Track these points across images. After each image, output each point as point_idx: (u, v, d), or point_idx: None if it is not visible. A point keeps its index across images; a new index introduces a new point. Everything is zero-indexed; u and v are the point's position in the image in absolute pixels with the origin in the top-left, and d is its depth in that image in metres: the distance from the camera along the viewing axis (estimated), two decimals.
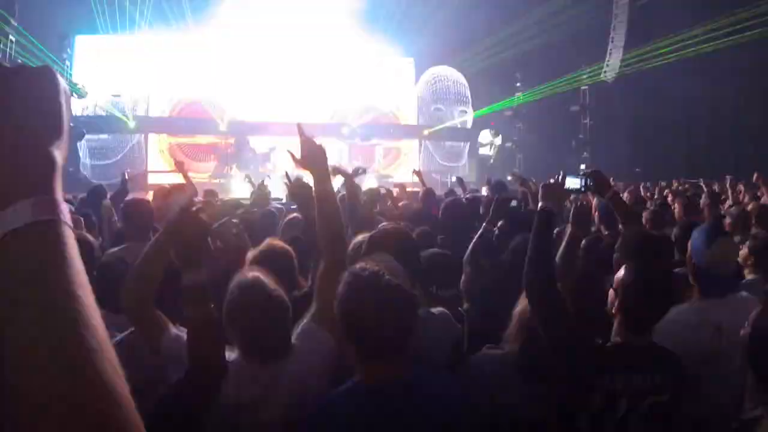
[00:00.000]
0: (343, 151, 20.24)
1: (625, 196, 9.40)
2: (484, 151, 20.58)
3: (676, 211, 7.25)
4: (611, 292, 2.55)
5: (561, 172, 3.20)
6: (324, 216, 2.63)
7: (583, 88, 21.12)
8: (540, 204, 2.82)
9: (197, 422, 2.25)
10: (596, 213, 5.54)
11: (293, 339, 2.50)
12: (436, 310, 2.99)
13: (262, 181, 6.94)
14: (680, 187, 12.00)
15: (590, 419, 2.39)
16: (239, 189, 15.91)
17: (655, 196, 11.43)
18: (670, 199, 9.49)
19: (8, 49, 15.71)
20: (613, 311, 2.51)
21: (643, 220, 5.47)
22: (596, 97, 20.98)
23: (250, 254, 3.42)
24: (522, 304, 2.83)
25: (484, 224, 4.40)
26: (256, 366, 2.38)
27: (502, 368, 2.76)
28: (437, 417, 2.00)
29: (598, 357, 2.46)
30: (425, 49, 21.08)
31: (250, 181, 8.31)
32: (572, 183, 3.28)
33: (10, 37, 15.67)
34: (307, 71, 20.88)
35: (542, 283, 2.59)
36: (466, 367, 2.82)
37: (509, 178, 10.53)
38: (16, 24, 15.81)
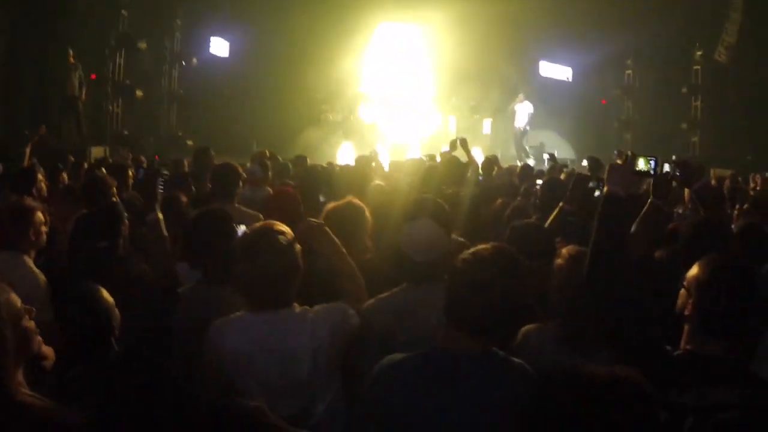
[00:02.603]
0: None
1: (726, 184, 8.93)
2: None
3: None
4: (682, 292, 2.29)
5: (630, 152, 2.97)
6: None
7: (695, 68, 20.04)
8: (606, 188, 2.53)
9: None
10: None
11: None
12: None
13: None
14: None
15: None
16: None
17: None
18: None
19: (120, 24, 16.26)
20: (686, 314, 2.24)
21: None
22: (710, 78, 19.84)
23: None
24: (559, 263, 2.86)
25: (560, 204, 4.25)
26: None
27: (543, 340, 2.77)
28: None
29: (667, 371, 2.15)
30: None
31: None
32: (644, 165, 3.00)
33: (122, 11, 16.25)
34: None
35: (608, 285, 2.31)
36: (516, 346, 2.76)
37: (615, 155, 10.15)
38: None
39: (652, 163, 2.84)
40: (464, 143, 7.79)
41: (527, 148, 19.02)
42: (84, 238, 4.03)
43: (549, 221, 4.22)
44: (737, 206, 6.09)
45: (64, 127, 14.81)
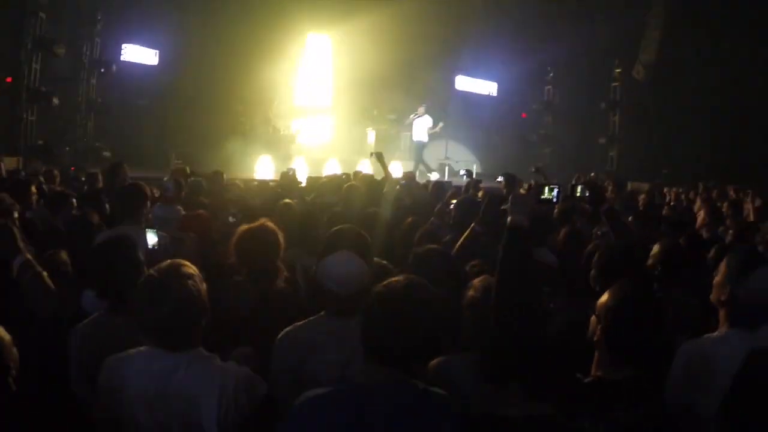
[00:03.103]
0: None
1: (642, 198, 9.21)
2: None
3: (699, 219, 7.02)
4: (593, 319, 2.35)
5: (532, 182, 3.04)
6: None
7: (614, 84, 20.75)
8: (509, 218, 2.54)
9: None
10: None
11: None
12: None
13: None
14: (710, 192, 11.71)
15: None
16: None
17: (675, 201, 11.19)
18: (697, 206, 9.25)
19: (38, 27, 15.68)
20: (595, 340, 2.30)
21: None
22: (627, 94, 20.56)
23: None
24: (471, 295, 2.83)
25: (473, 224, 4.24)
26: None
27: (462, 373, 2.72)
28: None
29: (578, 397, 2.20)
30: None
31: None
32: (548, 194, 3.04)
33: (40, 14, 15.66)
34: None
35: (513, 311, 2.34)
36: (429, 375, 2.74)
37: (532, 170, 10.32)
38: (45, 1, 15.81)
39: (555, 191, 2.89)
40: (380, 157, 7.73)
41: (425, 161, 18.76)
42: None
43: (459, 243, 4.18)
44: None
45: None
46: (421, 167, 18.10)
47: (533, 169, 9.97)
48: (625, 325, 2.23)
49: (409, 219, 5.26)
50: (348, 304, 2.89)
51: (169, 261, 2.56)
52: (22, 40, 15.55)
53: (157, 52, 18.88)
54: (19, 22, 15.61)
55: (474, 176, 9.46)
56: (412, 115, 18.77)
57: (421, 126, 18.35)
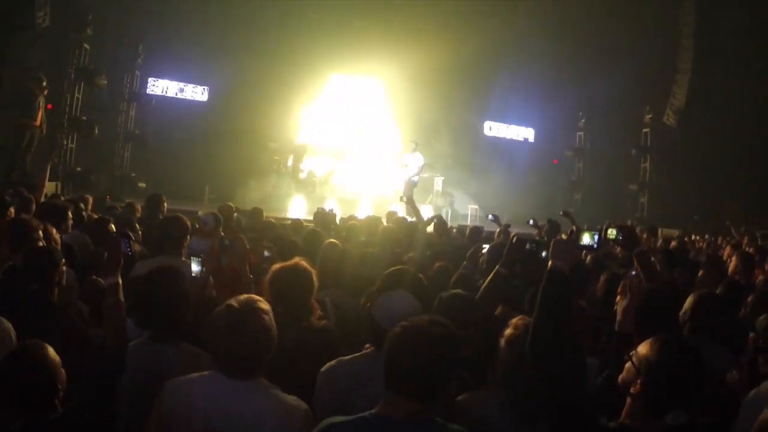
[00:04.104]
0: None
1: (673, 245, 9.12)
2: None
3: (731, 266, 6.93)
4: (629, 365, 2.33)
5: (574, 228, 3.06)
6: None
7: (644, 130, 20.72)
8: (550, 263, 2.57)
9: None
10: None
11: None
12: None
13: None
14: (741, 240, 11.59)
15: None
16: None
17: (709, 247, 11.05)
18: (727, 253, 9.11)
19: (82, 58, 16.19)
20: (632, 391, 2.27)
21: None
22: (659, 140, 20.51)
23: None
24: (510, 333, 2.88)
25: (497, 266, 4.26)
26: None
27: (491, 410, 2.78)
28: None
29: None
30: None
31: None
32: (588, 240, 3.07)
33: (84, 45, 16.16)
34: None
35: (548, 358, 2.35)
36: (457, 411, 2.82)
37: (560, 214, 10.28)
38: (90, 33, 16.32)
39: (596, 236, 2.93)
40: (410, 201, 7.82)
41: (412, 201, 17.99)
42: (13, 282, 3.88)
43: (484, 285, 4.19)
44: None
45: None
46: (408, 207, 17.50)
47: (561, 213, 9.99)
48: (667, 381, 2.21)
49: (437, 264, 5.32)
50: None
51: (246, 295, 2.72)
52: (66, 70, 16.04)
53: (206, 88, 19.64)
54: (65, 51, 16.14)
55: (499, 221, 9.45)
56: (404, 154, 18.27)
57: (413, 164, 17.54)
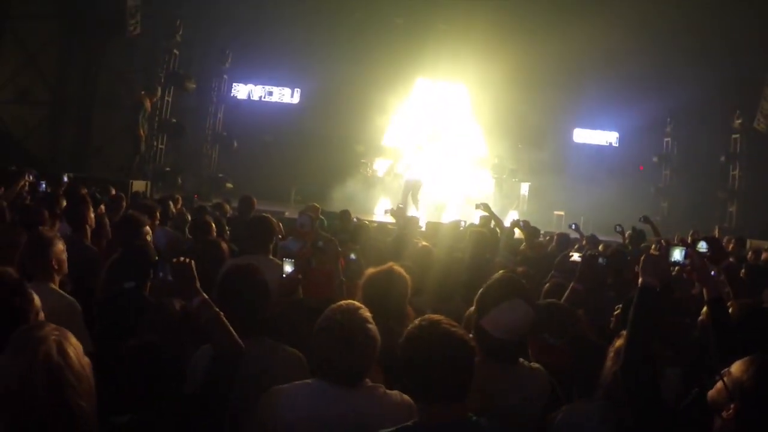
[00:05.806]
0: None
1: (764, 257, 8.75)
2: None
3: None
4: (720, 385, 2.19)
5: (663, 242, 2.98)
6: None
7: (734, 136, 19.99)
8: (640, 280, 2.57)
9: None
10: None
11: None
12: (534, 364, 3.04)
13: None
14: None
15: None
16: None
17: None
18: None
19: (172, 63, 16.94)
20: (724, 416, 2.14)
21: None
22: (749, 146, 19.77)
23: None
24: (619, 344, 2.76)
25: (572, 283, 4.20)
26: None
27: (585, 419, 2.70)
28: None
29: None
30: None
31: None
32: (678, 256, 2.97)
33: (174, 51, 16.88)
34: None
35: (642, 374, 2.39)
36: (555, 424, 2.76)
37: (640, 220, 10.03)
38: (179, 39, 17.02)
39: (684, 252, 2.87)
40: (487, 208, 7.81)
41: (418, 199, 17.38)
42: (114, 277, 4.16)
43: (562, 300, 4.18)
44: None
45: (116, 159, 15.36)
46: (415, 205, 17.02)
47: (641, 219, 9.77)
48: (764, 411, 2.09)
49: (519, 269, 5.32)
50: (508, 350, 2.94)
51: (348, 302, 2.76)
52: (157, 74, 16.79)
53: (299, 90, 20.28)
54: (156, 56, 16.92)
55: (580, 229, 9.33)
56: (409, 154, 18.32)
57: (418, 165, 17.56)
